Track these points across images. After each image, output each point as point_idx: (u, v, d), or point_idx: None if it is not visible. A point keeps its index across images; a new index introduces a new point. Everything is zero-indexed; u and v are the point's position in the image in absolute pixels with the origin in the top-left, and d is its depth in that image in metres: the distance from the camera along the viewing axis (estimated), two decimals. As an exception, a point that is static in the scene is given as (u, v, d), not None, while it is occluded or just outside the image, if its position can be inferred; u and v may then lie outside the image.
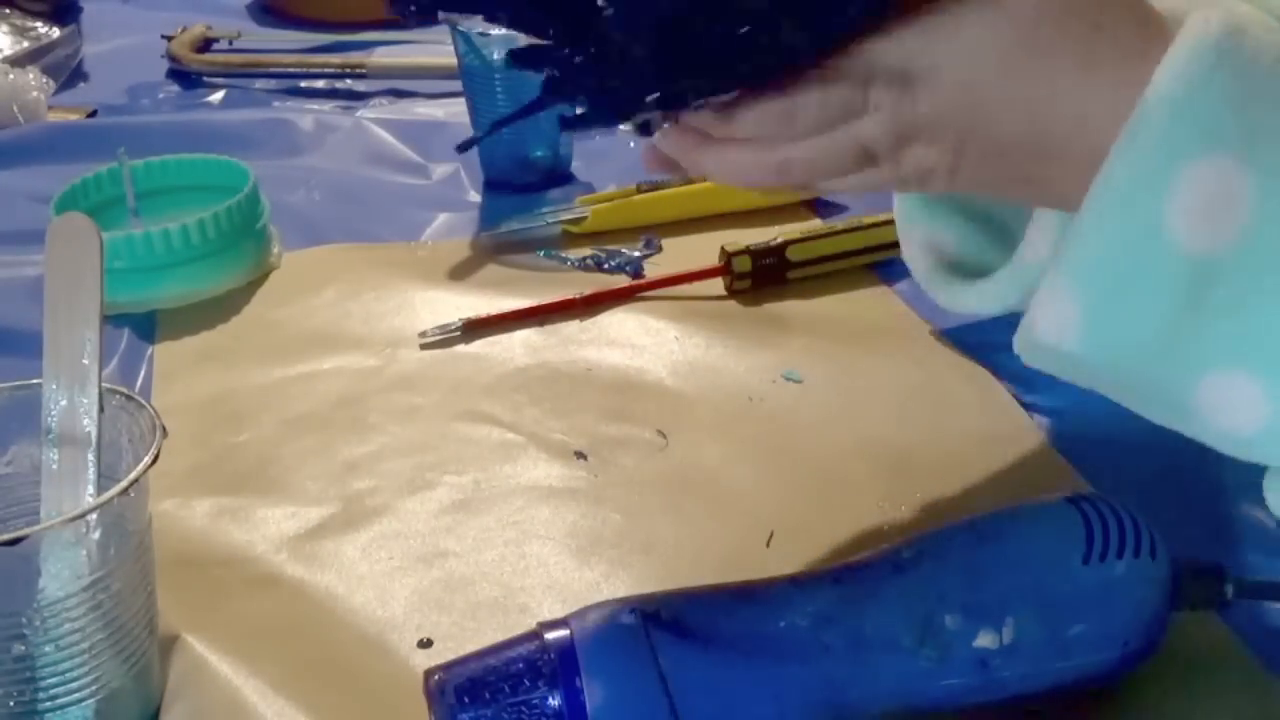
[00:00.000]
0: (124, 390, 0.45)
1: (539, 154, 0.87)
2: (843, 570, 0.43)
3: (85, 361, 0.44)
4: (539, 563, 0.52)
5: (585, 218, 0.79)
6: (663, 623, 0.40)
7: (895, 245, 0.75)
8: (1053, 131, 0.40)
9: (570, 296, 0.71)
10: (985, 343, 0.65)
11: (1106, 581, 0.42)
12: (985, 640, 0.41)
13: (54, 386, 0.44)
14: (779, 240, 0.74)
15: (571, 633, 0.40)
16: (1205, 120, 0.37)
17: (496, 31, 0.83)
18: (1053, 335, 0.41)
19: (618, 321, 0.70)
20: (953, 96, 0.40)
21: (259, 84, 1.08)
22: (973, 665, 0.41)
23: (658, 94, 0.41)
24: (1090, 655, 0.41)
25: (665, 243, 0.79)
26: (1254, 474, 0.43)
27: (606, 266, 0.76)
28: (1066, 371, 0.43)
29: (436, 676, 0.40)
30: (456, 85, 0.89)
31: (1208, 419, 0.41)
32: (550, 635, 0.40)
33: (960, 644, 0.41)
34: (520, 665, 0.40)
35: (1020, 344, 0.43)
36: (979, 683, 0.41)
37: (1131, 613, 0.42)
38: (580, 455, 0.58)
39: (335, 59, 1.10)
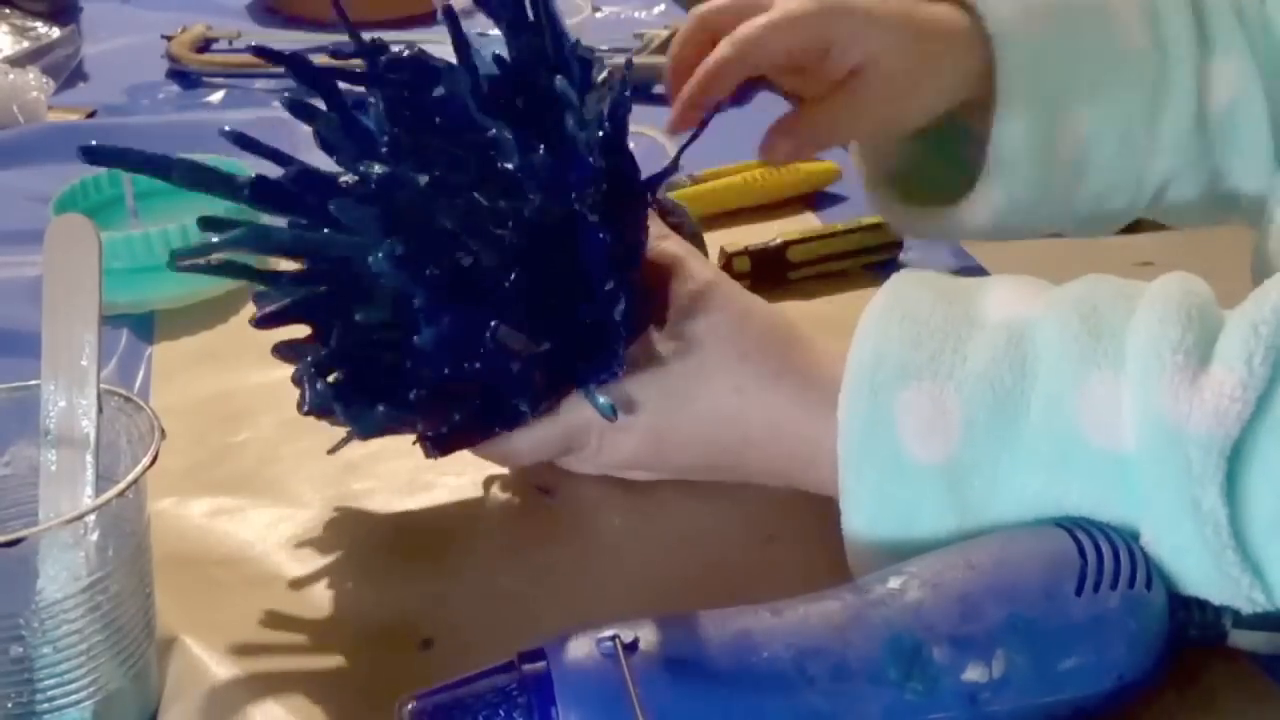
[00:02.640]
0: (122, 391, 0.45)
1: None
2: (827, 599, 0.42)
3: (84, 363, 0.44)
4: (538, 563, 0.52)
5: None
6: (642, 653, 0.39)
7: (895, 245, 0.76)
8: (789, 460, 0.51)
9: (570, 297, 0.71)
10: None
11: (1100, 613, 0.41)
12: (974, 673, 0.39)
13: (52, 387, 0.44)
14: (779, 241, 0.74)
15: (548, 663, 0.39)
16: (896, 364, 0.46)
17: (495, 32, 0.83)
18: (869, 567, 0.46)
19: (617, 322, 0.70)
20: (641, 438, 0.52)
21: (259, 84, 1.08)
22: (961, 699, 0.39)
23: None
24: (1083, 689, 0.40)
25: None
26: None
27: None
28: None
29: (409, 706, 0.39)
30: (456, 85, 0.89)
31: None
32: (527, 666, 0.39)
33: (948, 677, 0.39)
34: (495, 696, 0.39)
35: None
36: (967, 717, 0.40)
37: (1125, 645, 0.41)
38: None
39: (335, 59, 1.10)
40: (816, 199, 0.84)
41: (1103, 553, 0.42)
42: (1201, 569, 0.42)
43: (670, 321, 0.52)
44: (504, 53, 0.52)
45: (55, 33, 1.15)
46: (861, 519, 0.47)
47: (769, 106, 0.63)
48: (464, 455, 0.58)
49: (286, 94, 0.53)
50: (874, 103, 0.61)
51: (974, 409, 0.45)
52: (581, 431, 0.53)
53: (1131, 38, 0.63)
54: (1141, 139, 0.63)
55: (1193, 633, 0.43)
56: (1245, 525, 0.41)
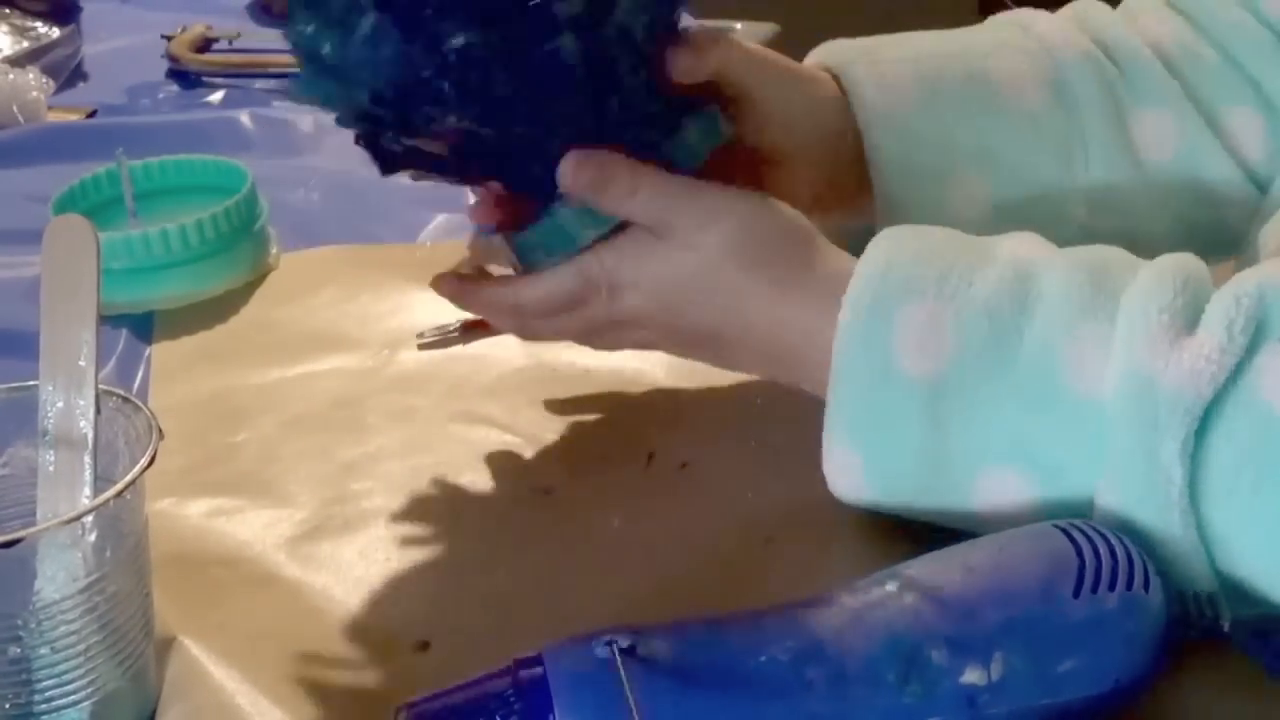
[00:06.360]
0: (121, 392, 0.45)
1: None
2: (825, 603, 0.42)
3: (82, 363, 0.44)
4: (536, 564, 0.52)
5: None
6: (639, 658, 0.39)
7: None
8: (781, 339, 0.51)
9: (569, 297, 0.71)
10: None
11: (1098, 615, 0.41)
12: (972, 676, 0.39)
13: (51, 388, 0.44)
14: (778, 241, 0.73)
15: (544, 669, 0.39)
16: (904, 277, 0.47)
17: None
18: (847, 486, 0.50)
19: (616, 323, 0.70)
20: (647, 303, 0.53)
21: (259, 84, 1.08)
22: (959, 703, 0.39)
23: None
24: (1081, 690, 0.40)
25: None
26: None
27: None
28: (875, 504, 0.50)
29: (404, 714, 0.39)
30: (455, 86, 0.89)
31: (988, 516, 0.47)
32: (523, 672, 0.39)
33: (946, 681, 0.39)
34: (492, 703, 0.38)
35: (835, 491, 0.51)
36: None
37: (1123, 647, 0.41)
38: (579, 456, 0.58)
39: (335, 59, 1.10)
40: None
41: (1100, 554, 0.42)
42: (1150, 524, 0.43)
43: (683, 230, 0.52)
44: None
45: (55, 33, 1.15)
46: (842, 420, 0.49)
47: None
48: (460, 456, 0.58)
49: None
50: None
51: (970, 335, 0.46)
52: (593, 279, 0.53)
53: (1025, 99, 0.62)
54: (1058, 191, 0.62)
55: (1191, 633, 0.43)
56: (1202, 490, 0.43)
